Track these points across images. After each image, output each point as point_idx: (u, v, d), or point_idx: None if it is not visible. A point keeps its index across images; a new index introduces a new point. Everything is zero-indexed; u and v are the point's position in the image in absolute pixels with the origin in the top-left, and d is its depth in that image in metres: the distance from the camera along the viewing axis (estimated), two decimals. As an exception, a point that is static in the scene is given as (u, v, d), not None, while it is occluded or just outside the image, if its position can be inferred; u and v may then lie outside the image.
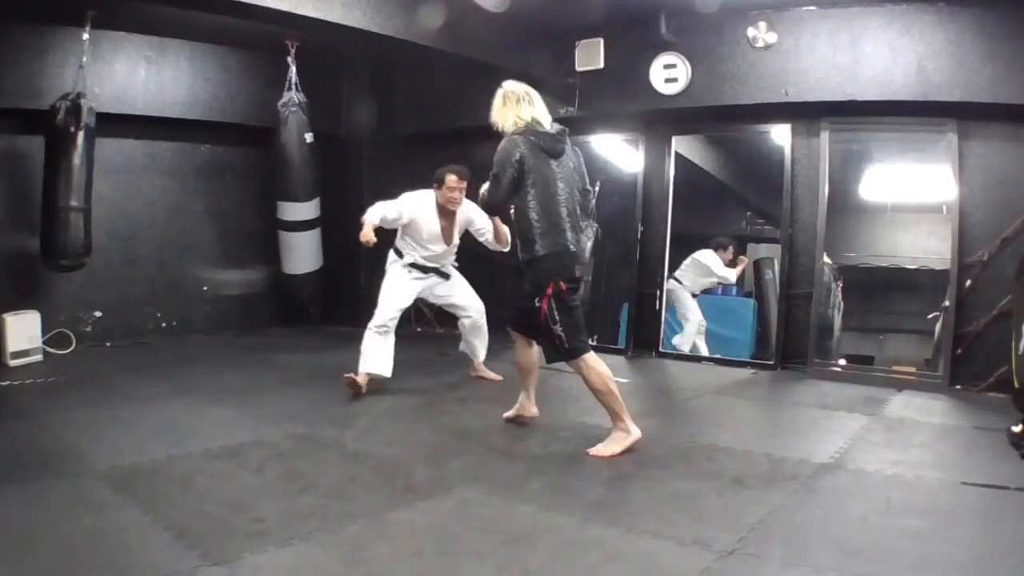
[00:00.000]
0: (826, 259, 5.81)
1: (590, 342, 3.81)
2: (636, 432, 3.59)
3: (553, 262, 3.56)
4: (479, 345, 5.26)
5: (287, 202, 6.70)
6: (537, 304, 3.55)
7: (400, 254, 4.96)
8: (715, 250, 6.43)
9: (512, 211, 3.70)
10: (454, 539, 2.63)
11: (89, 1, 5.29)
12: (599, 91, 6.48)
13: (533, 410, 4.11)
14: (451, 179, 4.72)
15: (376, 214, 4.52)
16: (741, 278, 6.54)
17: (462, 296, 5.18)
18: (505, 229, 4.66)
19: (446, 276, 5.08)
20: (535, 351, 3.97)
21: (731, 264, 6.45)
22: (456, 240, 5.00)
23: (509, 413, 4.16)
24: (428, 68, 7.13)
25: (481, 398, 4.80)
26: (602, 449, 3.56)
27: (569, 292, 3.58)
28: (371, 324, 4.75)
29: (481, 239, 4.99)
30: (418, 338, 7.24)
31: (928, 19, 5.14)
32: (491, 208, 3.92)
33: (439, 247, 4.90)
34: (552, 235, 3.55)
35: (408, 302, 4.94)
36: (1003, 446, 3.78)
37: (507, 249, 4.76)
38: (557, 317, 3.54)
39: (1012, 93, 4.89)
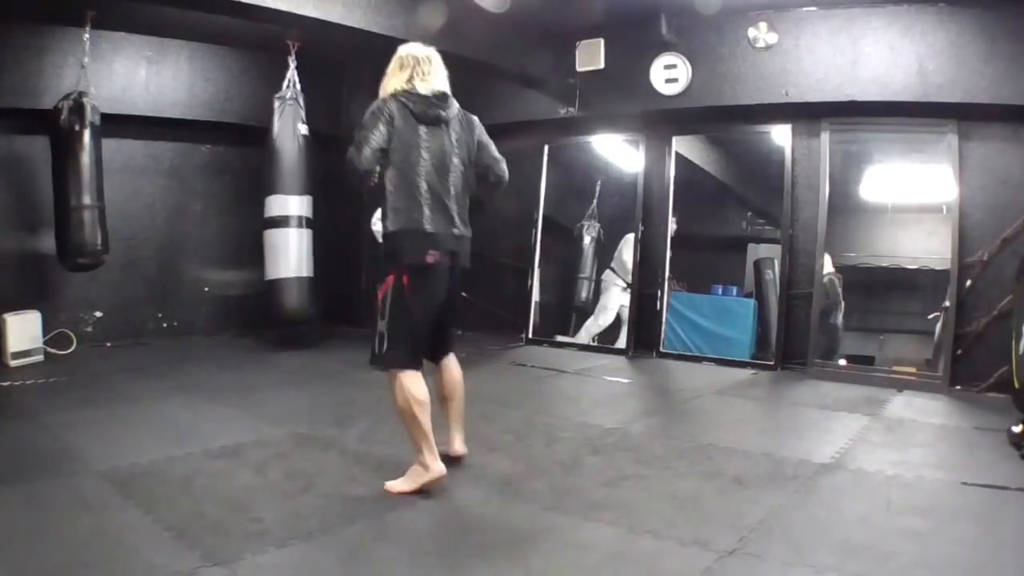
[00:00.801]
0: (830, 268, 5.82)
1: (418, 357, 3.13)
2: (438, 469, 3.01)
3: (401, 242, 3.04)
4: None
5: (274, 195, 6.18)
6: (376, 290, 3.09)
7: None
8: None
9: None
10: (454, 539, 2.63)
11: (89, 1, 5.29)
12: (599, 91, 6.48)
13: (463, 447, 3.47)
14: None
15: None
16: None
17: None
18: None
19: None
20: (452, 368, 3.45)
21: None
22: None
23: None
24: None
25: (481, 399, 4.79)
26: (395, 484, 3.05)
27: (413, 288, 3.03)
28: None
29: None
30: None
31: (928, 20, 5.15)
32: (349, 170, 3.06)
33: None
34: (406, 212, 3.03)
35: None
36: (1003, 446, 3.78)
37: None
38: (387, 312, 3.05)
39: (1012, 94, 4.89)
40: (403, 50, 3.25)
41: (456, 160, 3.17)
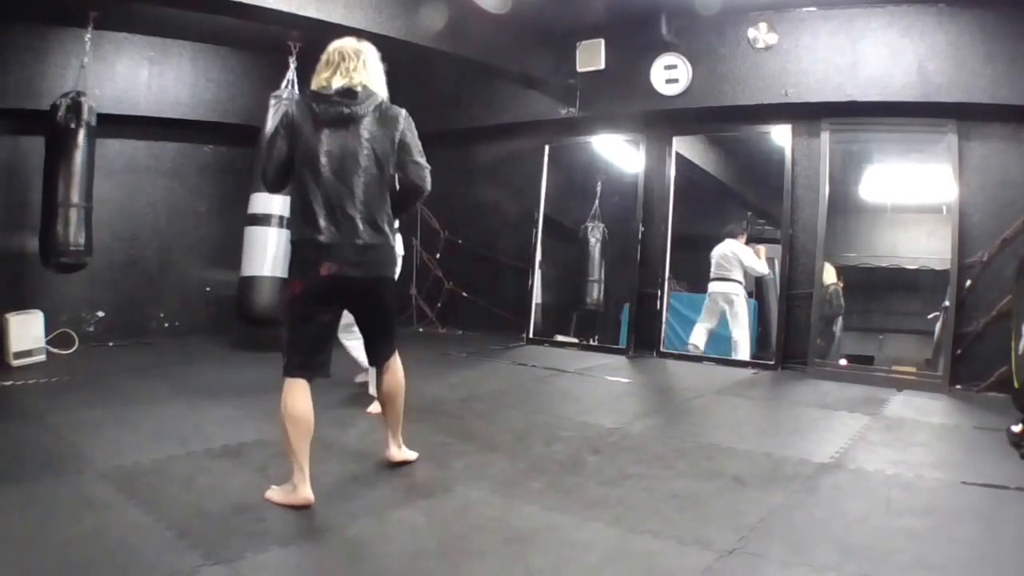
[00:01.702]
0: (833, 278, 5.83)
1: (309, 370, 2.96)
2: (304, 495, 2.82)
3: (297, 254, 2.93)
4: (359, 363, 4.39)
5: (258, 193, 6.01)
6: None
7: None
8: (734, 237, 6.39)
9: None
10: (455, 538, 2.64)
11: (91, 2, 5.30)
12: (600, 92, 6.50)
13: (399, 453, 3.37)
14: None
15: None
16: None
17: None
18: None
19: None
20: (390, 374, 3.23)
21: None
22: None
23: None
24: (429, 69, 7.13)
25: (483, 398, 4.81)
26: (272, 492, 2.92)
27: (306, 300, 2.89)
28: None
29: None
30: (420, 338, 7.26)
31: (928, 20, 5.16)
32: (265, 184, 3.05)
33: None
34: (302, 221, 2.88)
35: None
36: (1003, 446, 3.79)
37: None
38: (286, 321, 2.99)
39: (1012, 94, 4.90)
40: (331, 46, 3.01)
41: (366, 161, 2.89)
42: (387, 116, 2.97)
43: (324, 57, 2.99)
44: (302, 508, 2.80)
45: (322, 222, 2.83)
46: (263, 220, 6.05)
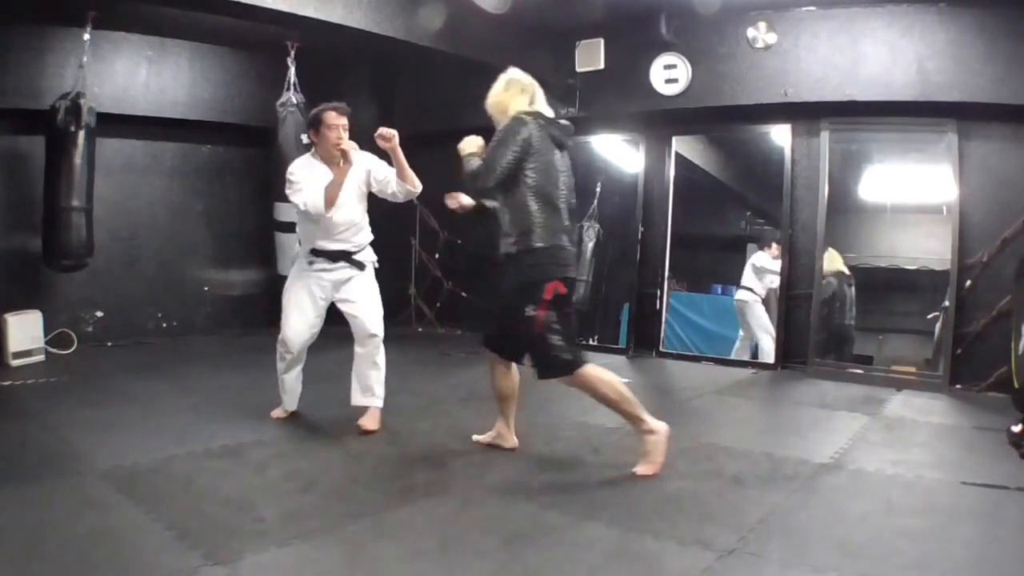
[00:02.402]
0: (839, 265, 5.82)
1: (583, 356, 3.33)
2: (663, 427, 3.24)
3: (552, 257, 3.21)
4: (374, 381, 3.98)
5: (284, 203, 6.04)
6: (532, 312, 3.16)
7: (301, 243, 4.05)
8: (761, 248, 6.34)
9: (499, 199, 3.34)
10: (454, 539, 2.63)
11: (90, 1, 5.30)
12: (599, 91, 6.49)
13: (512, 440, 3.65)
14: (329, 115, 3.79)
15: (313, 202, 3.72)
16: None
17: (362, 308, 3.93)
18: (408, 169, 3.87)
19: (360, 268, 3.97)
20: (515, 374, 3.56)
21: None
22: (361, 205, 3.96)
23: (482, 438, 3.72)
24: (428, 69, 7.14)
25: (482, 398, 4.80)
26: (647, 468, 3.21)
27: (567, 295, 3.26)
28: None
29: (388, 192, 3.94)
30: (419, 338, 7.25)
31: (928, 19, 5.15)
32: (477, 187, 3.35)
33: (342, 215, 3.83)
34: (552, 228, 3.22)
35: (314, 315, 3.97)
36: (1003, 446, 3.79)
37: (418, 190, 3.97)
38: (556, 325, 3.17)
39: (1013, 93, 4.89)
40: (521, 75, 3.50)
41: (571, 181, 3.43)
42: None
43: (516, 84, 3.45)
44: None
45: (565, 231, 3.30)
46: (290, 228, 6.01)
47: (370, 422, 3.94)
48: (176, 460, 3.36)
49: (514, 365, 3.55)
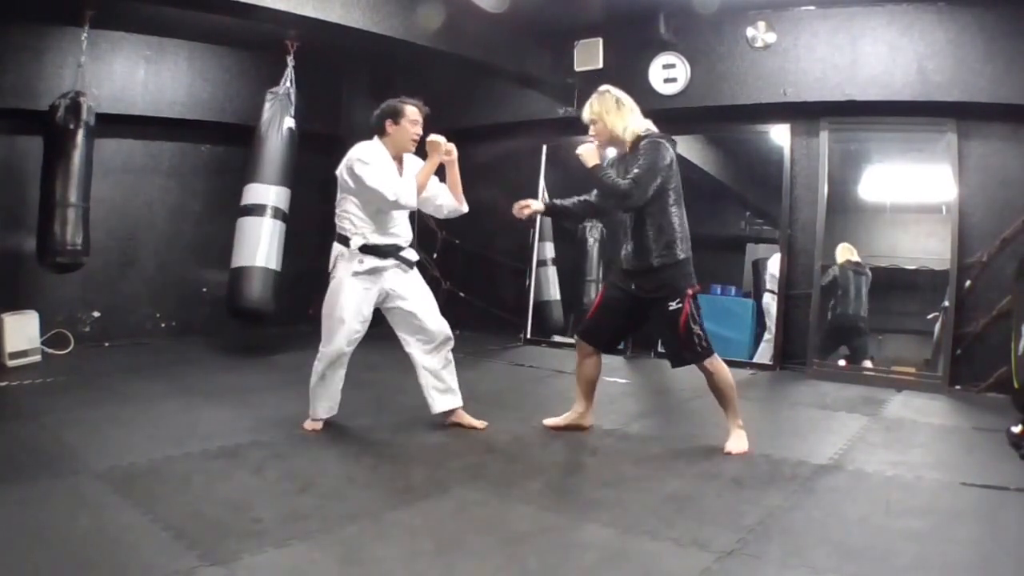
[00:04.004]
0: (850, 255, 5.81)
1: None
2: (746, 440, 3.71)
3: (690, 266, 3.70)
4: (452, 380, 3.96)
5: (252, 184, 5.92)
6: (678, 306, 3.61)
7: (346, 240, 3.77)
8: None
9: (639, 213, 3.67)
10: (453, 539, 2.62)
11: (88, 1, 5.29)
12: (598, 91, 6.47)
13: (591, 419, 4.05)
14: (412, 111, 3.78)
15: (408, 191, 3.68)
16: None
17: (425, 307, 3.85)
18: (460, 187, 4.01)
19: (409, 265, 3.90)
20: (599, 360, 3.96)
21: None
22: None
23: (557, 421, 4.02)
24: (427, 68, 7.12)
25: (481, 399, 4.79)
26: (734, 446, 3.64)
27: (697, 296, 3.71)
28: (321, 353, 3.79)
29: (436, 203, 3.99)
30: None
31: (928, 19, 5.15)
32: (626, 205, 3.64)
33: (402, 213, 3.83)
34: (687, 241, 3.69)
35: (368, 313, 3.79)
36: (1003, 447, 3.78)
37: (465, 209, 4.07)
38: (698, 318, 3.64)
39: (1012, 93, 4.89)
40: (620, 93, 3.77)
41: None
42: None
43: (626, 103, 3.74)
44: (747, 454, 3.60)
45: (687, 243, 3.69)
46: (256, 211, 5.93)
47: (473, 420, 3.99)
48: (173, 461, 3.35)
49: (598, 354, 3.94)
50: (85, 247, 5.44)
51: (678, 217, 3.68)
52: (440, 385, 3.90)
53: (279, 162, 5.95)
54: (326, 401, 3.85)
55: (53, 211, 5.28)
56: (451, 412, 3.95)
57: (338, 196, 3.82)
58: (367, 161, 3.65)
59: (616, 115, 3.70)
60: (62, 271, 5.55)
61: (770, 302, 6.29)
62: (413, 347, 3.87)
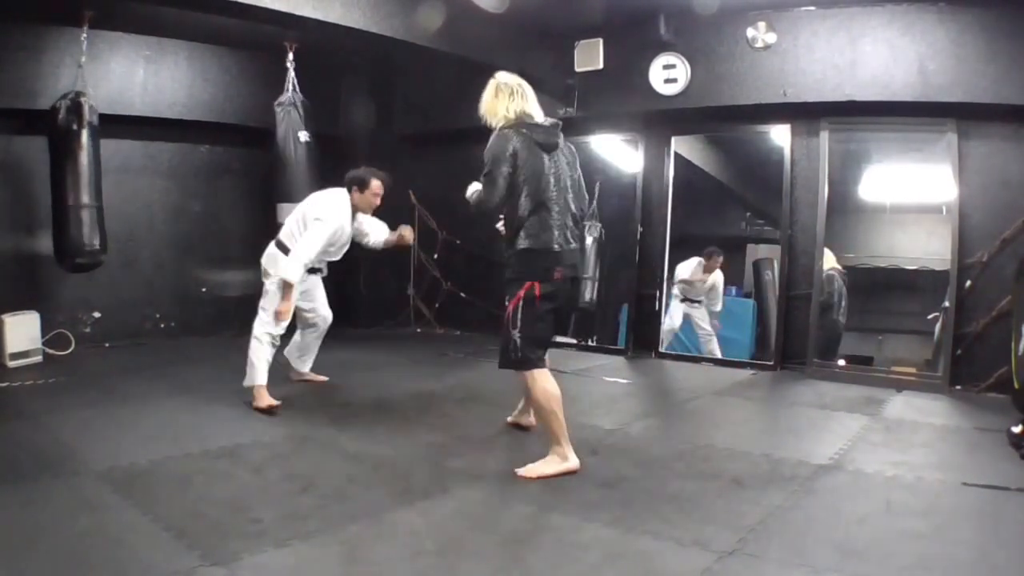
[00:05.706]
0: (832, 263, 5.81)
1: (546, 357, 3.49)
2: (574, 461, 3.33)
3: (534, 259, 3.32)
4: (314, 353, 5.15)
5: (284, 203, 6.11)
6: (506, 302, 3.34)
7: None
8: (706, 258, 6.48)
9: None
10: (453, 539, 2.62)
11: (87, 1, 5.28)
12: (598, 91, 6.48)
13: (528, 419, 4.01)
14: (377, 184, 4.58)
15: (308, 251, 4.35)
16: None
17: (323, 301, 4.99)
18: (396, 237, 4.85)
19: (320, 271, 4.89)
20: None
21: (708, 271, 6.49)
22: None
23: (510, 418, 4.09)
24: (427, 68, 7.13)
25: (480, 399, 4.80)
26: (532, 469, 3.30)
27: (544, 298, 3.30)
28: (267, 331, 4.49)
29: (366, 239, 4.85)
30: (417, 338, 7.24)
31: (929, 19, 5.14)
32: (486, 212, 3.45)
33: (342, 252, 4.72)
34: (537, 231, 3.31)
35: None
36: (1003, 447, 3.78)
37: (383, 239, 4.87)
38: (519, 322, 3.30)
39: (1013, 93, 4.88)
40: (509, 78, 3.51)
41: (572, 184, 3.49)
42: (569, 147, 3.58)
43: (505, 88, 3.45)
44: (572, 473, 3.29)
45: (556, 233, 3.32)
46: None
47: (304, 375, 5.12)
48: (173, 461, 3.35)
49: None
50: (103, 247, 5.47)
51: (525, 207, 3.30)
52: (301, 352, 5.13)
53: (304, 177, 6.18)
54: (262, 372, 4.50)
55: (68, 213, 5.29)
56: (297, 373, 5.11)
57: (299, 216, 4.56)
58: (323, 220, 4.38)
59: (491, 103, 3.46)
60: (82, 271, 5.61)
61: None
62: (305, 327, 5.00)
